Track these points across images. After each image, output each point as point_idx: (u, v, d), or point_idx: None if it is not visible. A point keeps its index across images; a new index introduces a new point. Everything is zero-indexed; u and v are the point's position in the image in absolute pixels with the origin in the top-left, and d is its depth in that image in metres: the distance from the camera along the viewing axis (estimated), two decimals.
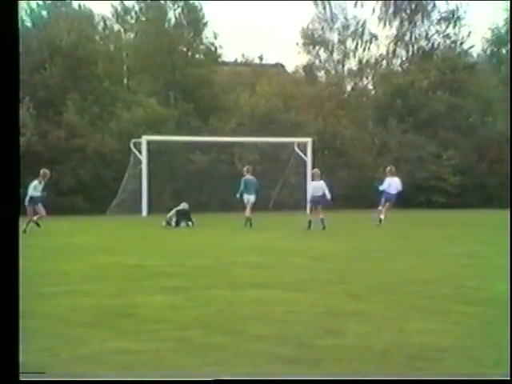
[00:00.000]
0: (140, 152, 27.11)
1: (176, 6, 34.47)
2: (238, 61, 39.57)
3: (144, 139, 27.09)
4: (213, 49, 34.94)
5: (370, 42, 40.44)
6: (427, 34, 40.09)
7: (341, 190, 26.95)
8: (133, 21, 35.50)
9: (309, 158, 28.20)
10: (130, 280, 8.68)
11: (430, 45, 40.11)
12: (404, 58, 40.79)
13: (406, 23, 39.80)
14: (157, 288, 7.91)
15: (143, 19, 34.85)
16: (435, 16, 39.96)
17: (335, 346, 5.06)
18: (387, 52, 40.46)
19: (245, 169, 20.42)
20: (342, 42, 40.59)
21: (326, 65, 40.99)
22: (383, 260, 11.05)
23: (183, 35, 34.36)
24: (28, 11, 31.63)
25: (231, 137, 29.82)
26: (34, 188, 17.58)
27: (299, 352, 4.91)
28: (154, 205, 25.96)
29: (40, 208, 17.64)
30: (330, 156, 32.64)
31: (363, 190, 31.25)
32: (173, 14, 34.60)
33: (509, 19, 32.92)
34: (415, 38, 40.14)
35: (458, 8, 39.45)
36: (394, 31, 40.02)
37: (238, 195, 19.78)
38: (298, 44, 40.48)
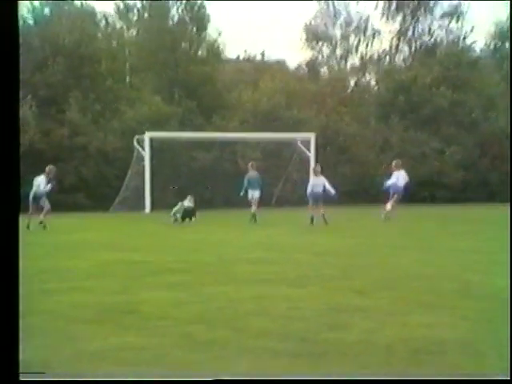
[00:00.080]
0: (143, 148, 27.12)
1: (178, 3, 34.45)
2: (241, 58, 39.57)
3: (147, 136, 27.10)
4: (216, 46, 34.92)
5: (373, 38, 40.42)
6: (430, 29, 40.03)
7: (343, 186, 26.93)
8: (135, 18, 35.48)
9: (312, 153, 28.14)
10: (133, 276, 8.66)
11: (432, 40, 40.03)
12: (407, 54, 40.73)
13: (408, 18, 39.72)
14: (160, 284, 7.89)
15: (145, 16, 34.84)
16: (438, 11, 39.91)
17: (339, 341, 5.04)
18: (390, 48, 40.40)
19: (249, 164, 20.49)
20: (344, 37, 40.54)
21: (329, 61, 40.93)
22: (387, 255, 11.01)
23: (186, 32, 34.34)
24: (30, 9, 31.69)
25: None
26: (39, 184, 17.66)
27: (303, 347, 4.89)
28: (157, 201, 25.97)
29: (45, 202, 17.68)
30: (332, 152, 32.62)
31: (366, 186, 31.28)
32: (175, 11, 34.59)
33: (509, 19, 32.92)
34: (418, 33, 40.07)
35: (460, 3, 39.42)
36: (397, 26, 39.99)
37: (242, 193, 19.78)
38: (301, 39, 40.50)
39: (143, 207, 26.23)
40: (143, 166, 27.00)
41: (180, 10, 34.52)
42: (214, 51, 34.90)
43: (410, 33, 39.98)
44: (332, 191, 18.70)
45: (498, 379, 4.04)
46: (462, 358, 4.62)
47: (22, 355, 3.56)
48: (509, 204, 19.55)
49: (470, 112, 36.08)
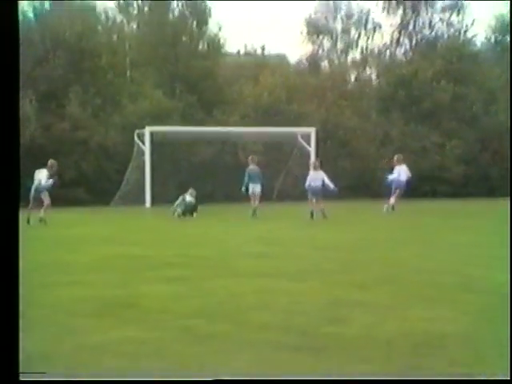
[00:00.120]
0: (144, 143, 27.11)
1: None
2: (241, 52, 39.48)
3: (147, 130, 27.07)
4: (216, 40, 34.83)
5: (374, 31, 40.27)
6: (431, 22, 39.89)
7: (344, 180, 26.89)
8: (135, 12, 35.40)
9: (312, 148, 28.11)
10: (133, 271, 8.66)
11: (433, 33, 39.92)
12: (408, 48, 40.62)
13: (409, 11, 39.59)
14: (160, 278, 7.89)
15: (146, 10, 34.76)
16: (439, 4, 39.77)
17: (340, 335, 5.04)
18: (391, 41, 40.29)
19: (249, 158, 20.44)
20: (345, 31, 40.42)
21: (330, 55, 40.83)
22: (388, 250, 11.02)
23: (186, 27, 34.24)
24: (31, 4, 31.59)
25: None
26: (40, 179, 17.63)
27: (303, 340, 4.89)
28: (158, 196, 25.96)
29: (45, 196, 17.66)
30: (332, 146, 32.53)
31: (366, 180, 31.22)
32: (176, 5, 34.51)
33: (509, 18, 32.85)
34: (419, 26, 39.95)
35: None
36: (397, 19, 39.83)
37: (243, 188, 19.75)
38: (301, 33, 40.29)
39: (144, 202, 26.21)
40: (144, 161, 26.96)
41: (180, 4, 34.42)
42: (215, 46, 34.79)
43: (410, 26, 39.82)
44: (331, 186, 18.68)
45: (498, 379, 4.03)
46: (462, 352, 4.62)
47: (22, 350, 3.56)
48: (509, 198, 19.54)
49: (471, 106, 35.94)
